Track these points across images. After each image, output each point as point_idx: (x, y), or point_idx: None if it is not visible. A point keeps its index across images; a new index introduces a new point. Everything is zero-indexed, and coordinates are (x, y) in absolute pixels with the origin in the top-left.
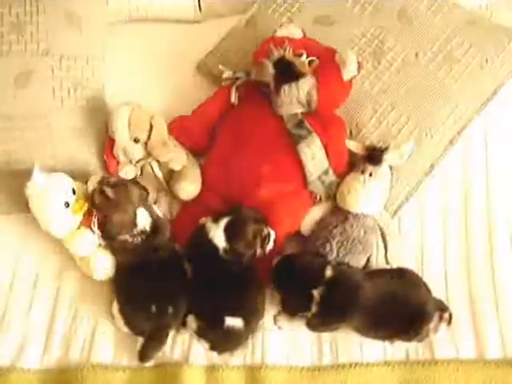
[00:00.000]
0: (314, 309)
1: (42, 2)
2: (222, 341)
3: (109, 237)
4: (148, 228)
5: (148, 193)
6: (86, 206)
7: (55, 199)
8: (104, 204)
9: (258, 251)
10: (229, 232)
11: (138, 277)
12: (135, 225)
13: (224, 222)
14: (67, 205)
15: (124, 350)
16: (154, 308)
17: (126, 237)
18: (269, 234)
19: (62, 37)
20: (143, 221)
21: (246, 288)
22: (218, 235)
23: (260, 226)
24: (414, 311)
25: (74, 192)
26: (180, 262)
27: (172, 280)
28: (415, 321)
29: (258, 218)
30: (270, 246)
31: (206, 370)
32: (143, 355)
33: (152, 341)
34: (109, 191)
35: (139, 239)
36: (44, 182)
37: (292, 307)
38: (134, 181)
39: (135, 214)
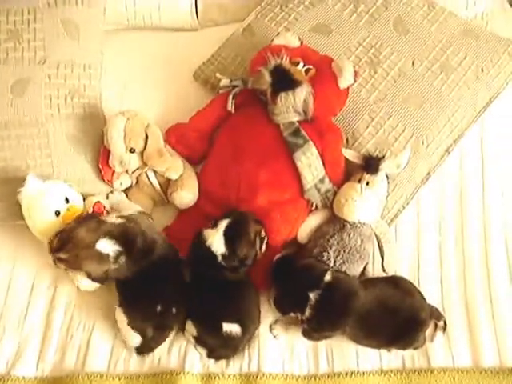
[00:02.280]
0: (308, 312)
1: (40, 10)
2: (220, 347)
3: (100, 280)
4: (119, 247)
5: (94, 215)
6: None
7: (46, 207)
8: (70, 265)
9: (258, 252)
10: (229, 235)
11: (140, 278)
12: (107, 256)
13: (223, 225)
14: (58, 213)
15: (119, 357)
16: (159, 308)
17: (111, 266)
18: (265, 236)
19: (59, 45)
20: (109, 247)
21: (243, 294)
22: (216, 240)
23: (258, 225)
24: (408, 319)
25: (67, 201)
26: (174, 257)
27: (172, 281)
28: (410, 329)
29: (256, 219)
30: (263, 248)
31: (202, 378)
32: (142, 351)
33: (152, 340)
34: (62, 255)
35: (123, 259)
36: (37, 189)
37: (286, 306)
38: (77, 220)
39: (99, 251)
